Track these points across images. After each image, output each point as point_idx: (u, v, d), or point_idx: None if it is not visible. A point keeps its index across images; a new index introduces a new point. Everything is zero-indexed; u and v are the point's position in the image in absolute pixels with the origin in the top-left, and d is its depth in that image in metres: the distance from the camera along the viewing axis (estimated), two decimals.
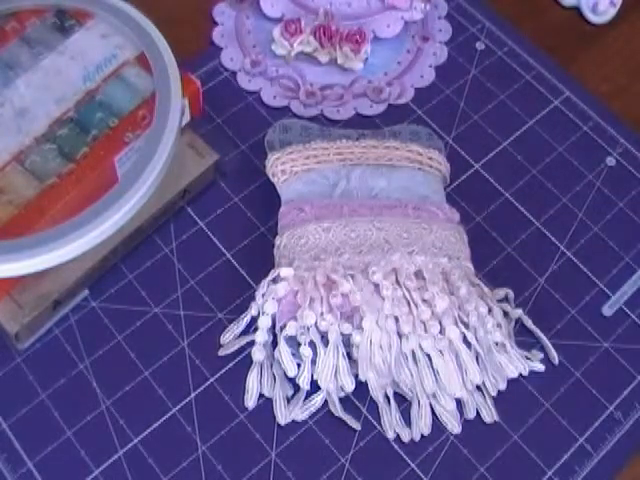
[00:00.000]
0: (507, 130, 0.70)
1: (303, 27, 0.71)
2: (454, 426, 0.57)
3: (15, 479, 0.54)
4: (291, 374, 0.57)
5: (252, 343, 0.58)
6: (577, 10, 0.77)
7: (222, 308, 0.61)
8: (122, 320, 0.60)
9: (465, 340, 0.58)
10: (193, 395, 0.58)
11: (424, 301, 0.58)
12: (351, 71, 0.72)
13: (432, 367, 0.57)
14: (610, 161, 0.69)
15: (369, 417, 0.57)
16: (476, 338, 0.58)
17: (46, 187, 0.56)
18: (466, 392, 0.57)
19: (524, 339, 0.60)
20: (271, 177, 0.65)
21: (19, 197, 0.55)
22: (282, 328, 0.57)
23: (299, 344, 0.57)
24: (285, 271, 0.58)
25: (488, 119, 0.70)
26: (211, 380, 0.58)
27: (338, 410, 0.57)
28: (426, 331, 0.57)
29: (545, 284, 0.63)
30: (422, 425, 0.57)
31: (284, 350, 0.57)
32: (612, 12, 0.77)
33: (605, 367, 0.60)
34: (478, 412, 0.58)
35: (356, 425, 0.57)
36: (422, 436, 0.57)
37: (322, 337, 0.57)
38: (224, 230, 0.64)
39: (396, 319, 0.57)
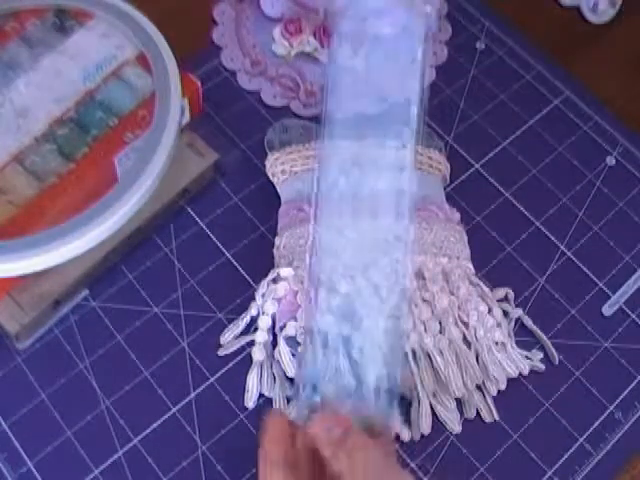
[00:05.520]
0: (507, 130, 0.70)
1: (303, 27, 0.71)
2: (454, 426, 0.57)
3: (15, 479, 0.54)
4: (291, 374, 0.57)
5: (252, 343, 0.58)
6: (577, 10, 0.77)
7: (222, 308, 0.61)
8: (122, 320, 0.60)
9: (465, 340, 0.58)
10: (193, 395, 0.58)
11: (424, 301, 0.58)
12: None
13: (432, 366, 0.57)
14: (610, 161, 0.69)
15: None
16: (476, 338, 0.58)
17: (46, 187, 0.56)
18: (466, 392, 0.57)
19: (524, 339, 0.60)
20: (271, 177, 0.65)
21: (19, 197, 0.55)
22: (282, 328, 0.57)
23: (299, 344, 0.57)
24: (285, 271, 0.58)
25: (488, 119, 0.70)
26: (211, 380, 0.58)
27: None
28: (426, 330, 0.57)
29: (545, 284, 0.63)
30: (422, 425, 0.57)
31: (284, 350, 0.56)
32: (612, 12, 0.77)
33: (605, 367, 0.60)
34: (478, 412, 0.58)
35: None
36: (422, 436, 0.57)
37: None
38: (224, 230, 0.64)
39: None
